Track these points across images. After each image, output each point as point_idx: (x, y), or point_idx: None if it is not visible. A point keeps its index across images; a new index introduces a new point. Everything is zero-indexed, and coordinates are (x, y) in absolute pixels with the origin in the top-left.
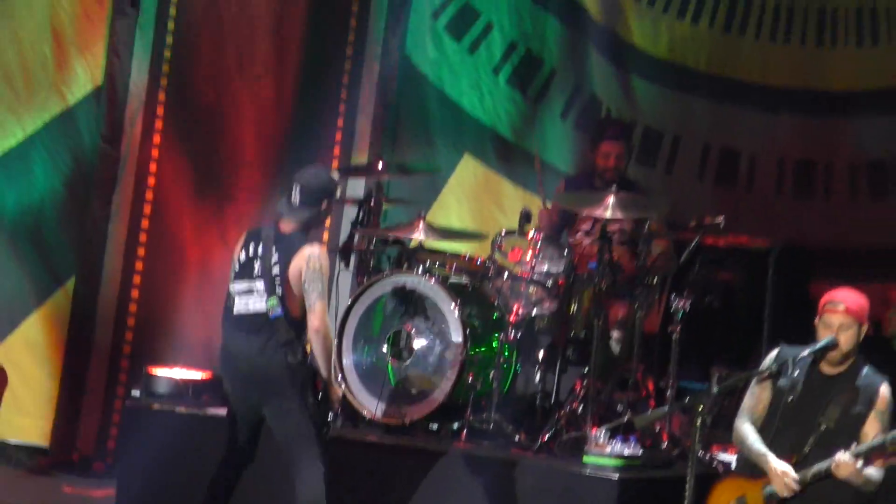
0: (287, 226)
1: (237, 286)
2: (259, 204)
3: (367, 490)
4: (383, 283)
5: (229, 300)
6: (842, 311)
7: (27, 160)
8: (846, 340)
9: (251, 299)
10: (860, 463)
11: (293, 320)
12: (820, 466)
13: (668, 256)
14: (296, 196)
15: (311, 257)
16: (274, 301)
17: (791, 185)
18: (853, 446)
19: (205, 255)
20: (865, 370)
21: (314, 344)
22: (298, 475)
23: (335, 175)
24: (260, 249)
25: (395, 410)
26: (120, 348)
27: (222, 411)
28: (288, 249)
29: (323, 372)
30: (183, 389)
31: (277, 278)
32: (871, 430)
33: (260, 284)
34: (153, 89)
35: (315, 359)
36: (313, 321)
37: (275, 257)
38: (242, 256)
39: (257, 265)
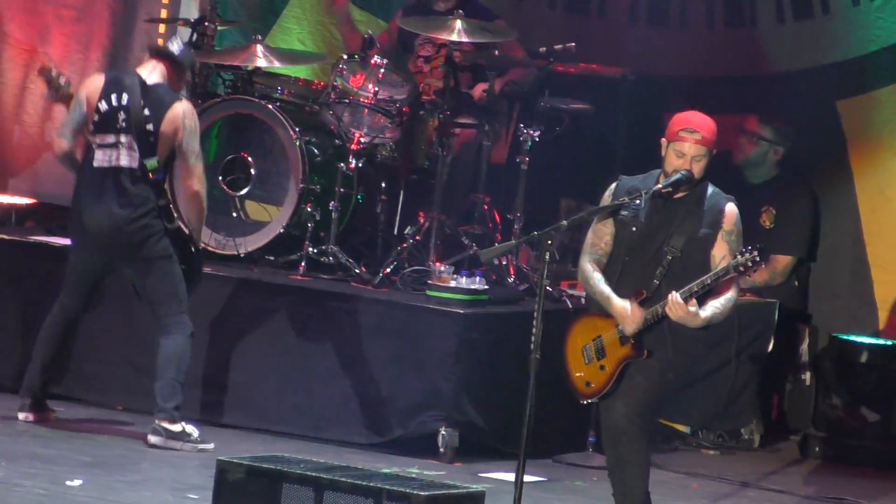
0: (153, 76)
1: (100, 138)
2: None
3: (202, 322)
4: (217, 108)
5: (89, 152)
6: (698, 141)
7: None
8: (699, 171)
9: (116, 153)
10: (693, 304)
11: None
12: (654, 309)
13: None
14: (176, 46)
15: (185, 114)
16: (155, 163)
17: (645, 12)
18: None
19: (25, 81)
20: (710, 191)
21: (192, 207)
22: (164, 331)
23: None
24: (125, 100)
25: (230, 240)
26: None
27: (52, 240)
28: (159, 104)
29: (196, 235)
30: (5, 216)
31: (152, 136)
32: (719, 253)
33: (126, 139)
34: None
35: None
36: (193, 184)
37: (146, 111)
38: (104, 106)
39: (122, 117)
